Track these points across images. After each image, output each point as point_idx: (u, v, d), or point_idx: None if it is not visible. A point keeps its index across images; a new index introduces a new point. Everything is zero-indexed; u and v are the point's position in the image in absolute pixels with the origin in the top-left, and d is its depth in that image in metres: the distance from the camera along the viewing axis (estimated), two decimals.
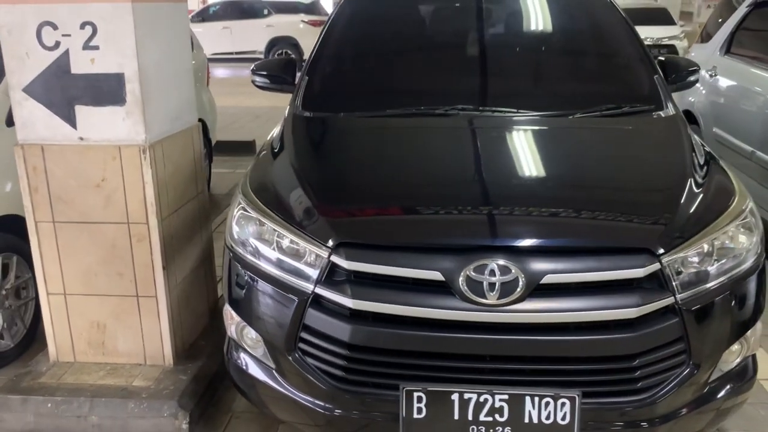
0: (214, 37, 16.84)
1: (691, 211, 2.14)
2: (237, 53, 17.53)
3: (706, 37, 5.61)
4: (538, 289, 1.93)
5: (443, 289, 1.95)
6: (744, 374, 2.21)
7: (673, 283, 1.98)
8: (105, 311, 2.88)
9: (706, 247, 2.06)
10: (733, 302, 2.10)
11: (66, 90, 2.64)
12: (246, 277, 2.20)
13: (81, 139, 2.70)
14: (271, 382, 2.19)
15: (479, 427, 1.97)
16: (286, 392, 2.15)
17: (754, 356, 2.26)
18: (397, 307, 1.96)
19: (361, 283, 2.01)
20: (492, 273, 1.92)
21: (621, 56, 3.15)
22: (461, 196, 2.24)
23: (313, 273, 2.05)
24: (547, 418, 1.95)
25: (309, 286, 2.04)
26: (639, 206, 2.18)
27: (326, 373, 2.05)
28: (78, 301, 2.88)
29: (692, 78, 3.20)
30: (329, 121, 2.84)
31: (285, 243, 2.13)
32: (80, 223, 2.78)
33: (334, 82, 3.12)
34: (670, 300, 1.97)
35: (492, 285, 1.91)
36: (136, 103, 2.64)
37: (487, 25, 3.23)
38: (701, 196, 2.22)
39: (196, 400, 2.79)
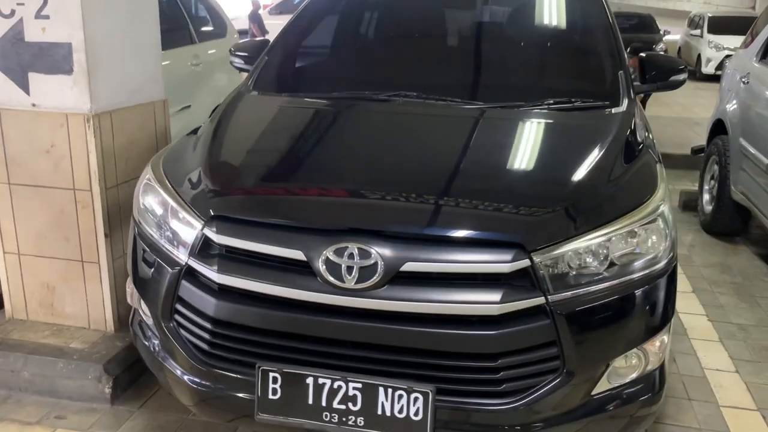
0: None
1: (583, 209, 1.99)
2: None
3: (749, 42, 5.24)
4: (399, 277, 1.85)
5: (305, 269, 1.90)
6: (646, 389, 2.04)
7: (546, 283, 1.84)
8: (54, 273, 2.99)
9: (591, 247, 1.91)
10: (624, 310, 1.94)
11: (20, 57, 2.75)
12: (141, 247, 2.23)
13: (33, 105, 2.80)
14: (156, 352, 2.21)
15: (332, 415, 1.91)
16: (165, 364, 2.16)
17: (661, 370, 2.09)
18: (260, 284, 1.93)
19: (230, 258, 1.99)
20: (351, 256, 1.85)
21: (589, 51, 2.99)
22: (343, 178, 2.18)
23: (189, 245, 2.04)
24: (400, 411, 1.86)
25: (183, 258, 2.04)
26: (523, 200, 2.03)
27: (195, 347, 2.05)
28: (30, 262, 3.00)
29: (676, 78, 3.00)
30: (266, 101, 2.84)
31: (171, 214, 2.14)
32: (32, 186, 2.90)
33: (288, 65, 3.11)
34: (539, 300, 1.83)
35: (350, 269, 1.85)
36: (83, 72, 2.72)
37: (451, 15, 3.13)
38: (604, 195, 2.07)
39: (125, 368, 2.84)
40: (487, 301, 1.81)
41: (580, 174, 2.14)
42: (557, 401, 1.89)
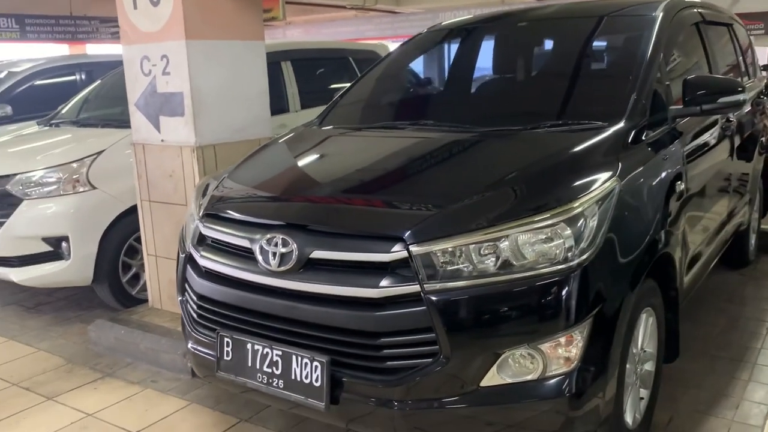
0: None
1: (468, 210, 2.15)
2: None
3: None
4: (310, 263, 2.22)
5: (250, 255, 2.36)
6: (548, 392, 2.08)
7: (421, 273, 2.05)
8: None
9: (472, 244, 2.06)
10: (506, 306, 2.04)
11: (155, 105, 3.66)
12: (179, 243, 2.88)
13: (162, 141, 3.69)
14: (182, 323, 2.80)
15: (263, 376, 2.31)
16: (183, 332, 2.75)
17: (579, 375, 2.09)
18: (223, 266, 2.43)
19: (211, 246, 2.54)
20: (276, 244, 2.27)
21: (610, 75, 3.00)
22: (291, 186, 2.61)
23: (191, 236, 2.63)
24: (306, 377, 2.20)
25: (189, 247, 2.64)
26: (413, 202, 2.26)
27: (189, 316, 2.61)
28: (162, 263, 3.87)
29: (726, 99, 2.87)
30: (308, 132, 3.34)
31: (187, 215, 2.76)
32: (162, 203, 3.77)
33: (346, 105, 3.59)
34: (414, 288, 2.04)
35: (275, 254, 2.26)
36: (191, 114, 3.53)
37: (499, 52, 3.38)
38: (495, 200, 2.19)
39: None
40: (370, 286, 2.09)
41: (473, 181, 2.31)
42: (439, 384, 2.07)
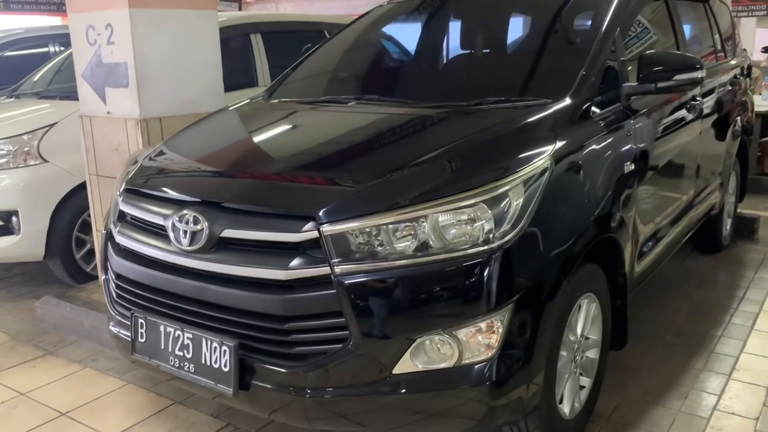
0: None
1: (385, 190, 2.02)
2: None
3: None
4: (222, 243, 2.10)
5: (164, 233, 2.25)
6: (465, 380, 1.98)
7: (332, 255, 1.94)
8: None
9: (385, 225, 1.94)
10: (419, 289, 1.92)
11: (100, 75, 3.54)
12: None
13: (108, 113, 3.57)
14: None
15: (175, 360, 2.21)
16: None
17: (500, 363, 1.99)
18: (138, 244, 2.32)
19: (129, 223, 2.43)
20: (188, 222, 2.16)
21: (561, 50, 2.86)
22: (219, 162, 2.48)
23: (113, 212, 2.52)
24: (215, 362, 2.10)
25: (111, 224, 2.53)
26: (328, 180, 2.15)
27: (109, 295, 2.51)
28: None
29: (683, 77, 2.73)
30: (255, 105, 3.21)
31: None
32: (110, 178, 3.65)
33: (296, 78, 3.45)
34: (325, 270, 1.94)
35: (186, 232, 2.15)
36: (134, 86, 3.40)
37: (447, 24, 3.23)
38: (412, 179, 2.06)
39: None
40: (279, 267, 1.98)
41: (395, 159, 2.18)
42: (350, 371, 1.96)
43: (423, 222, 1.96)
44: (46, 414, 2.85)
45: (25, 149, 4.01)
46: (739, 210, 4.98)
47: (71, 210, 4.12)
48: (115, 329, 2.47)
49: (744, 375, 2.89)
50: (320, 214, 1.97)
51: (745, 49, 5.00)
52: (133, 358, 2.35)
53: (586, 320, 2.49)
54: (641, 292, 3.47)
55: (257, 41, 5.31)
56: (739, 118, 4.33)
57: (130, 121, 3.45)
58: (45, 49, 6.83)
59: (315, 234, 1.96)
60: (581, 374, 2.55)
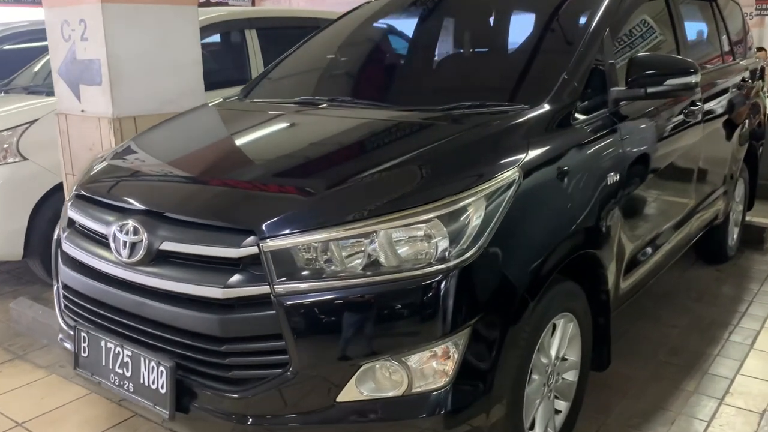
0: None
1: (332, 204, 1.88)
2: None
3: None
4: (162, 256, 1.97)
5: (107, 242, 2.12)
6: (415, 410, 1.83)
7: (273, 273, 1.80)
8: None
9: (330, 241, 1.79)
10: (364, 312, 1.77)
11: (75, 72, 3.43)
12: None
13: (82, 111, 3.46)
14: None
15: (115, 377, 2.09)
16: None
17: (455, 391, 1.83)
18: (82, 253, 2.20)
19: (76, 231, 2.30)
20: (128, 233, 2.03)
21: (545, 52, 2.68)
22: (169, 168, 2.34)
23: (63, 220, 2.40)
24: (153, 382, 1.97)
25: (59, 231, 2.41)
26: (271, 192, 2.00)
27: (58, 305, 2.39)
28: None
29: (675, 81, 2.55)
30: (225, 106, 3.08)
31: None
32: None
33: (275, 77, 3.31)
34: (264, 289, 1.79)
35: (125, 243, 2.02)
36: (107, 83, 3.28)
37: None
38: (388, 190, 1.91)
39: None
40: (216, 284, 1.84)
41: (352, 167, 2.03)
42: (290, 399, 1.82)
43: (374, 238, 1.81)
44: (1, 424, 2.75)
45: (4, 146, 3.91)
46: (747, 218, 4.76)
47: (51, 209, 4.00)
48: (64, 342, 2.36)
49: (737, 399, 2.72)
50: (262, 227, 1.82)
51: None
52: (76, 372, 2.23)
53: (562, 341, 2.33)
54: (636, 304, 3.30)
55: (252, 37, 5.18)
56: (747, 121, 4.11)
57: (103, 120, 3.33)
58: (45, 43, 6.78)
59: (255, 250, 1.82)
60: (557, 398, 2.39)
